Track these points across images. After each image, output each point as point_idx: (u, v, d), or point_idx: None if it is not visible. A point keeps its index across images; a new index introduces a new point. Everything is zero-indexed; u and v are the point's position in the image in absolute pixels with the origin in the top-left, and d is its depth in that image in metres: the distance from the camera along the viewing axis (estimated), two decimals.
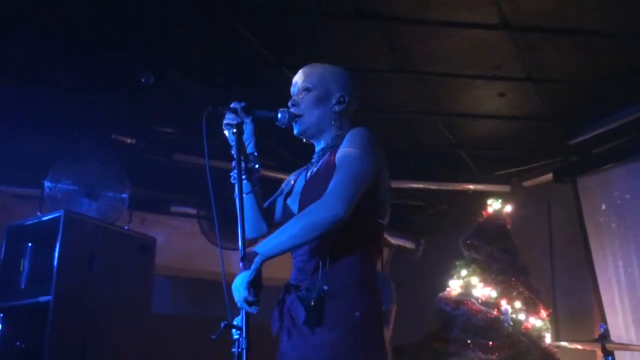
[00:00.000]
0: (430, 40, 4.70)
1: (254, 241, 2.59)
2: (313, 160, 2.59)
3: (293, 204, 2.55)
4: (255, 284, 2.20)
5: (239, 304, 2.21)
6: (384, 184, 2.44)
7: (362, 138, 2.39)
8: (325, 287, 2.31)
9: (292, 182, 2.66)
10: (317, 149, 2.60)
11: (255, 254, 2.23)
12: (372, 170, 2.34)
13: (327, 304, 2.30)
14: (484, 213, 6.22)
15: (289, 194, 2.62)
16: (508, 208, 6.20)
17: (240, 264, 2.27)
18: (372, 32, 4.58)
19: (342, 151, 2.38)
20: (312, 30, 4.61)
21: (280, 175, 5.52)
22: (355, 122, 2.61)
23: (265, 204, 2.68)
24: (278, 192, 2.70)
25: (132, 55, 4.79)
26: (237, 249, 2.30)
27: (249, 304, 2.19)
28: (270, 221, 2.67)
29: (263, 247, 2.26)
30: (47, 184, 5.27)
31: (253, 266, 2.21)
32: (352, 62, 4.87)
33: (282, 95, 2.63)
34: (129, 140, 5.91)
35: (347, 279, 2.34)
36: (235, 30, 4.52)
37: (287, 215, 2.57)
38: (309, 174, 2.56)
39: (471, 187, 6.87)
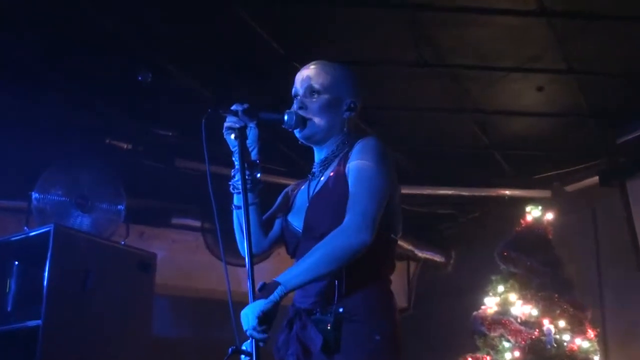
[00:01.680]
0: (459, 29, 4.67)
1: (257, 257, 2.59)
2: (314, 171, 2.61)
3: (295, 219, 2.56)
4: (269, 316, 2.20)
5: (247, 333, 2.20)
6: (395, 198, 2.47)
7: (375, 151, 2.43)
8: (341, 310, 2.31)
9: (291, 195, 2.69)
10: (319, 156, 2.62)
11: (276, 284, 2.23)
12: (389, 187, 2.39)
13: (344, 327, 2.30)
14: (522, 221, 6.20)
15: (289, 208, 2.63)
16: (549, 215, 6.18)
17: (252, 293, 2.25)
18: (394, 20, 4.56)
19: (355, 164, 2.41)
20: (326, 20, 4.60)
21: (291, 182, 5.50)
22: (363, 117, 2.64)
23: (263, 218, 2.69)
24: (275, 206, 2.72)
25: (128, 50, 4.79)
26: (244, 265, 2.29)
27: (258, 333, 2.19)
28: (269, 237, 2.69)
29: (285, 277, 2.26)
30: (34, 195, 5.26)
31: (272, 297, 2.21)
32: (373, 55, 4.88)
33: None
34: (125, 145, 5.91)
35: (364, 299, 2.35)
36: (242, 22, 4.50)
37: (288, 231, 2.58)
38: (312, 187, 2.57)
39: (507, 192, 6.84)
